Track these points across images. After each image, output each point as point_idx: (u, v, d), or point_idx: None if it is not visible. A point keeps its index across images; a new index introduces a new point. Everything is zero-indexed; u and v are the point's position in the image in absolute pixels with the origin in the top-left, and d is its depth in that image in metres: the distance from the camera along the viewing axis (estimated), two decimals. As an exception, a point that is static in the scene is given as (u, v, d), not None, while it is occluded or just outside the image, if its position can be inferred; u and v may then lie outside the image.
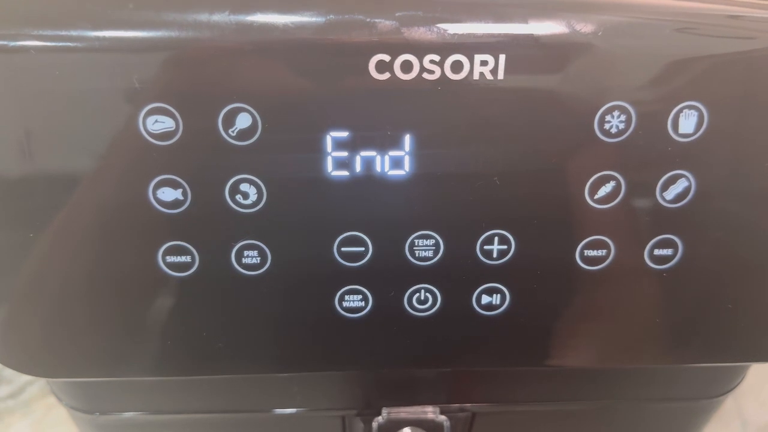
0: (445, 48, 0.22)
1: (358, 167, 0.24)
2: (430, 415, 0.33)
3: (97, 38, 0.22)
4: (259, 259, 0.25)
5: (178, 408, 0.33)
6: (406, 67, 0.22)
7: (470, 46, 0.22)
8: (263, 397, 0.33)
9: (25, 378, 0.44)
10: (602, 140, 0.24)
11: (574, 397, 0.33)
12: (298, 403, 0.33)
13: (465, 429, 0.34)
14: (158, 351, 0.27)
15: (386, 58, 0.22)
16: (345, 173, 0.24)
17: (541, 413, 0.34)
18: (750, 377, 0.36)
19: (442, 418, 0.33)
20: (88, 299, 0.26)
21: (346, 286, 0.26)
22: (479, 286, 0.26)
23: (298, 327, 0.26)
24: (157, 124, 0.23)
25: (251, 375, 0.29)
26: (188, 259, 0.25)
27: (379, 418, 0.33)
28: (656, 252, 0.26)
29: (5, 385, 0.44)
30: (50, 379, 0.32)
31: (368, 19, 0.22)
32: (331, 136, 0.23)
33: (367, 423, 0.33)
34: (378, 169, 0.24)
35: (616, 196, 0.25)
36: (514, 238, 0.25)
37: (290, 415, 0.34)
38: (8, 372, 0.45)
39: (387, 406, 0.33)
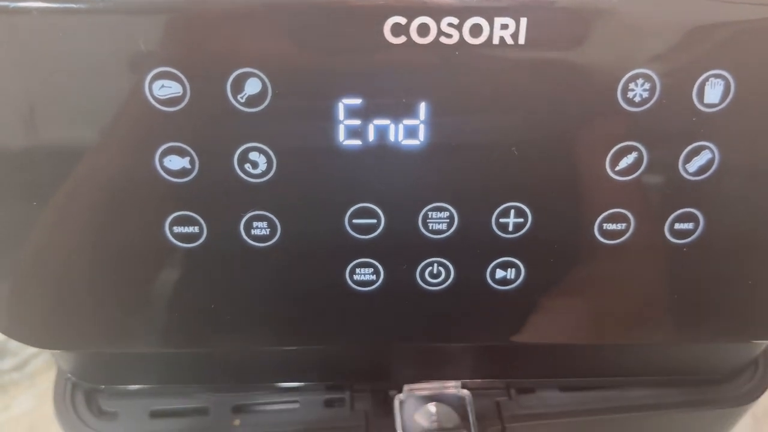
0: (464, 10, 0.21)
1: (371, 136, 0.23)
2: (452, 390, 0.32)
3: (102, -1, 0.21)
4: (268, 230, 0.24)
5: (183, 380, 0.32)
6: (423, 30, 0.21)
7: (490, 9, 0.21)
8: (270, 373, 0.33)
9: (30, 351, 0.44)
10: (625, 109, 0.23)
11: (591, 373, 0.33)
12: (308, 379, 0.33)
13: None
14: (164, 323, 0.26)
15: (402, 20, 0.21)
16: (357, 142, 0.23)
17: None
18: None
19: (465, 392, 0.32)
20: (93, 270, 0.25)
21: (357, 259, 0.25)
22: (494, 260, 0.25)
23: (307, 300, 0.26)
24: (164, 89, 0.22)
25: (259, 349, 0.28)
26: (196, 229, 0.24)
27: (401, 396, 0.32)
28: (677, 226, 0.25)
29: (10, 358, 0.44)
30: (54, 351, 0.31)
31: (384, -20, 0.21)
32: (343, 103, 0.23)
33: (389, 400, 0.32)
34: (391, 138, 0.23)
35: (638, 168, 0.24)
36: (530, 211, 0.24)
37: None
38: (13, 344, 0.44)
39: (403, 382, 0.32)
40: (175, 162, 0.23)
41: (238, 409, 0.33)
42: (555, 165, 0.24)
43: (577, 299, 0.26)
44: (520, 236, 0.25)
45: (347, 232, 0.25)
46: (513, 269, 0.26)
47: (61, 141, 0.23)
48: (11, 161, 0.23)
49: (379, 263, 0.25)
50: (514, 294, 0.26)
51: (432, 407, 0.32)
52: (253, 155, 0.23)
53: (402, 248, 0.25)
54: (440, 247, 0.25)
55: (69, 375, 0.32)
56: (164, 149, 0.23)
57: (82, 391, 0.33)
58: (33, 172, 0.23)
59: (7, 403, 0.42)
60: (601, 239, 0.25)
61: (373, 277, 0.26)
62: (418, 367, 0.32)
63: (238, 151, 0.23)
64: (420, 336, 0.27)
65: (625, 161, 0.24)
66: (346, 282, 0.25)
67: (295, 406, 0.33)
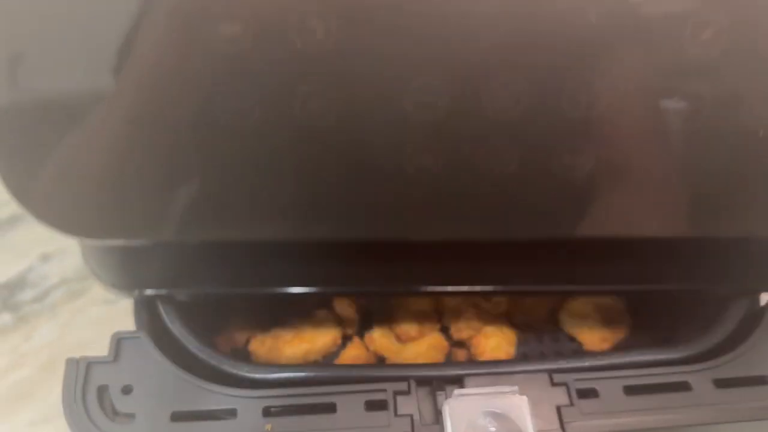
0: None
1: (437, 7, 0.22)
2: (508, 394, 0.29)
3: None
4: (324, 107, 0.23)
5: (219, 283, 0.31)
6: None
7: None
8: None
9: (50, 282, 0.43)
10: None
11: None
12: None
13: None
14: (210, 210, 0.24)
15: None
16: (423, 9, 0.22)
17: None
18: None
19: (522, 398, 0.29)
20: (137, 154, 0.24)
21: (417, 140, 0.24)
22: (562, 144, 0.24)
23: (363, 186, 0.24)
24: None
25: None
26: (248, 105, 0.23)
27: (451, 401, 0.29)
28: (754, 109, 0.23)
29: (30, 289, 0.43)
30: (89, 257, 0.30)
31: None
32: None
33: (436, 403, 0.30)
34: (460, 7, 0.22)
35: (718, 42, 0.22)
36: (602, 89, 0.23)
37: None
38: (33, 275, 0.43)
39: (449, 283, 0.31)
40: (227, 29, 0.22)
41: (268, 412, 0.30)
42: (629, 41, 0.22)
43: (648, 190, 0.24)
44: (590, 117, 0.23)
45: (408, 110, 0.23)
46: (582, 154, 0.24)
47: (111, 24, 0.22)
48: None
49: (441, 146, 0.24)
50: (582, 181, 0.24)
51: (485, 414, 0.29)
52: (311, 23, 0.22)
53: (466, 129, 0.23)
54: (506, 129, 0.23)
55: (105, 282, 0.31)
56: (216, 14, 0.22)
57: (95, 389, 0.30)
58: (91, 55, 0.22)
59: (28, 333, 0.41)
60: (675, 122, 0.23)
61: (435, 162, 0.24)
62: (463, 268, 0.31)
63: (296, 18, 0.22)
64: (481, 227, 0.26)
65: (704, 34, 0.22)
66: (405, 166, 0.24)
67: (332, 409, 0.30)
